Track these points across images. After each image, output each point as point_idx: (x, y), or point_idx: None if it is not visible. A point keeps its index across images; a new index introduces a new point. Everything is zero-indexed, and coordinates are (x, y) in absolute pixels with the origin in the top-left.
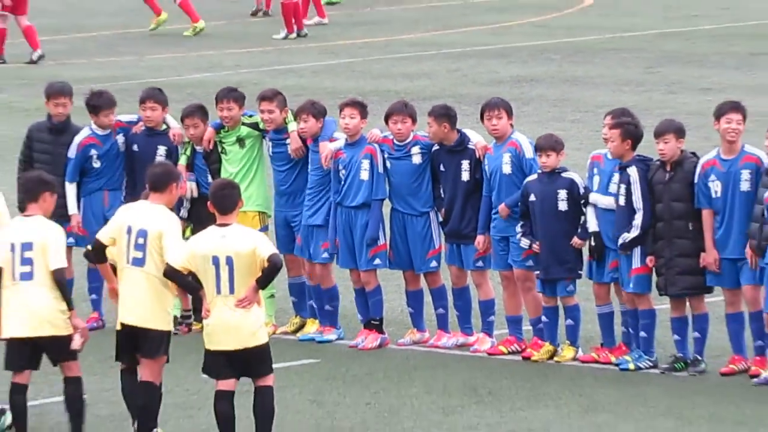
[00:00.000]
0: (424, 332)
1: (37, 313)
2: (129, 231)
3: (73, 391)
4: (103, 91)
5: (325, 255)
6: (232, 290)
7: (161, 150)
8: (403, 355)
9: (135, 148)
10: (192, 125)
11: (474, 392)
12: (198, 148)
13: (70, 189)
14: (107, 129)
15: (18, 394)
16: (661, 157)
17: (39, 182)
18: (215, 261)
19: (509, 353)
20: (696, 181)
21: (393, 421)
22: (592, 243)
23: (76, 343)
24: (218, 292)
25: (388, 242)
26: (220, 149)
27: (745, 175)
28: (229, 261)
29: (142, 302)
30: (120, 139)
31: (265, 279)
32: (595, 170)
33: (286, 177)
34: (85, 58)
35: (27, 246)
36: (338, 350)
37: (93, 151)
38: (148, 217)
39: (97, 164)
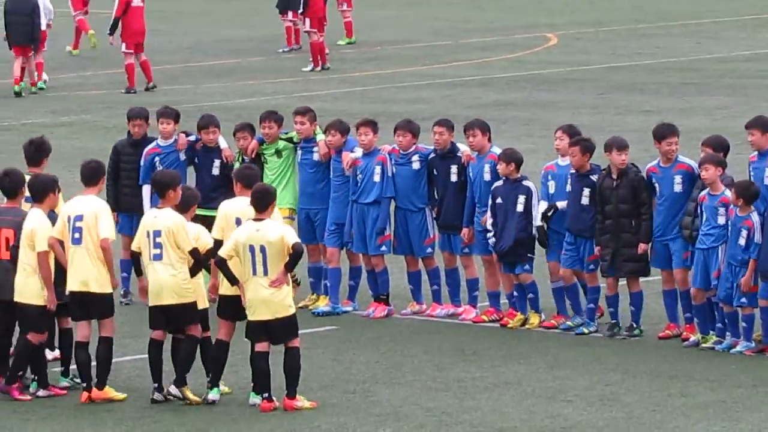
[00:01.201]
0: (422, 304)
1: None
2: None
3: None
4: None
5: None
6: (266, 272)
7: (216, 163)
8: (405, 323)
9: (196, 160)
10: (242, 137)
11: (462, 352)
12: (246, 158)
13: (145, 189)
14: (169, 140)
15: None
16: (616, 166)
17: (167, 182)
18: (251, 249)
19: (490, 321)
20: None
21: (398, 375)
22: (536, 234)
23: None
24: (254, 273)
25: (392, 233)
26: (262, 159)
27: (678, 179)
28: (263, 249)
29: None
30: (182, 155)
31: (291, 263)
32: (550, 177)
33: (311, 180)
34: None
35: (157, 233)
36: (353, 319)
37: (156, 159)
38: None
39: (159, 168)
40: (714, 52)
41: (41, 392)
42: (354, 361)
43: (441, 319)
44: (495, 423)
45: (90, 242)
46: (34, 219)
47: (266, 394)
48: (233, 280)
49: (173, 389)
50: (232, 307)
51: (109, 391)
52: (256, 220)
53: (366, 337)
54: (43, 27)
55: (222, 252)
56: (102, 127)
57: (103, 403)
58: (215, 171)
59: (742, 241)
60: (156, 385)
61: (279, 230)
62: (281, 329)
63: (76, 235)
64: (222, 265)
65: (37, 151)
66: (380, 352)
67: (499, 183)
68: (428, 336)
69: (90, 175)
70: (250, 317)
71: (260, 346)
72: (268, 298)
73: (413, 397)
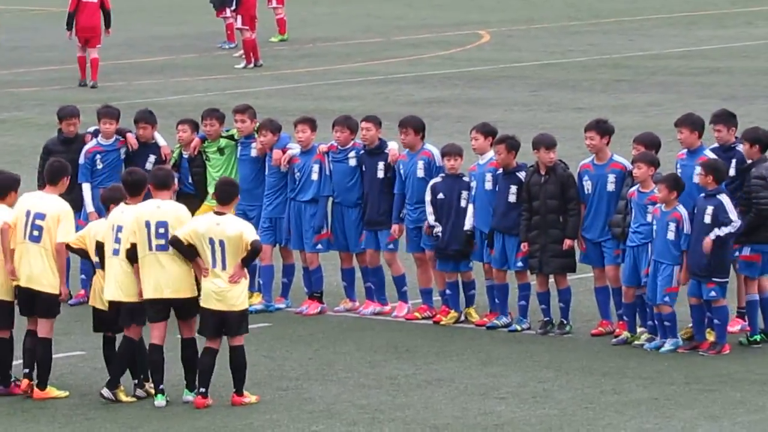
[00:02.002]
0: (354, 302)
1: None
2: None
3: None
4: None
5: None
6: (224, 266)
7: (151, 158)
8: (338, 320)
9: (131, 154)
10: (182, 130)
11: (395, 349)
12: (185, 153)
13: (85, 187)
14: (110, 139)
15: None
16: (543, 163)
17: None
18: (211, 242)
19: (423, 318)
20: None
21: (330, 372)
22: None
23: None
24: (213, 266)
25: (329, 230)
26: (204, 157)
27: (611, 178)
28: (222, 243)
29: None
30: (122, 154)
31: (248, 259)
32: (472, 177)
33: (248, 176)
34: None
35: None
36: (286, 316)
37: (98, 157)
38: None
39: (100, 166)
40: (646, 49)
41: None
42: (287, 358)
43: (373, 317)
44: (428, 420)
45: (48, 243)
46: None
47: (203, 390)
48: (191, 255)
49: (105, 391)
50: (163, 310)
51: (52, 391)
52: (217, 213)
53: (298, 334)
54: None
55: (180, 234)
56: (34, 124)
57: (39, 401)
58: (149, 166)
59: (671, 235)
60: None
61: (238, 226)
62: (235, 322)
63: (35, 233)
64: (178, 243)
65: None
66: (313, 349)
67: (438, 179)
68: (361, 333)
69: (54, 174)
70: (203, 304)
71: (212, 343)
72: (223, 291)
73: (346, 394)
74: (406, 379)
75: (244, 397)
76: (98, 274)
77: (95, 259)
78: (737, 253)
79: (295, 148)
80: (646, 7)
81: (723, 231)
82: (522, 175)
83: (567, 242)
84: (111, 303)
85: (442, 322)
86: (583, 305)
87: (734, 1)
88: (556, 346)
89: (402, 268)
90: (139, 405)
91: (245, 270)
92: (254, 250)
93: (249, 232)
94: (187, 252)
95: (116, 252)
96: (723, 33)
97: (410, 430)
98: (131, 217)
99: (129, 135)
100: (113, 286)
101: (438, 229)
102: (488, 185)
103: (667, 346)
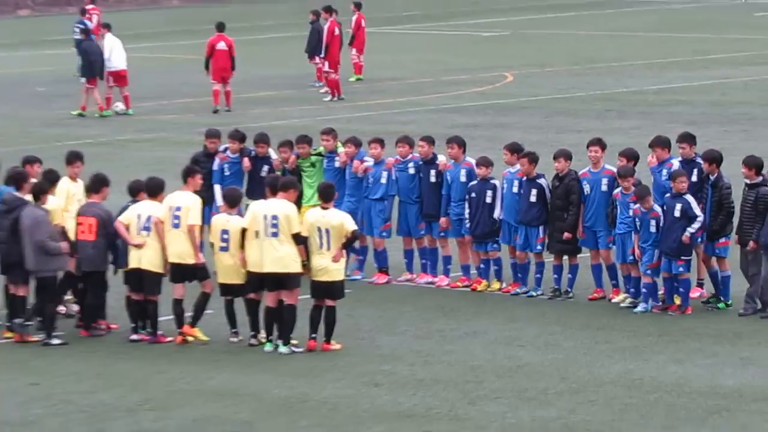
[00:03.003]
0: (412, 274)
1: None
2: (265, 217)
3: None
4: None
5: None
6: (329, 247)
7: (265, 168)
8: (400, 288)
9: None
10: (283, 151)
11: (442, 310)
12: (287, 166)
13: (216, 188)
14: (235, 154)
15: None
16: (558, 171)
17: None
18: (318, 230)
19: (463, 287)
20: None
21: (394, 326)
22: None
23: None
24: (320, 247)
25: (393, 221)
26: (301, 170)
27: (605, 181)
28: (327, 231)
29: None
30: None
31: (347, 243)
32: (504, 181)
33: (333, 181)
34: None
35: (275, 217)
36: (362, 285)
37: (225, 166)
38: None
39: (227, 173)
40: (630, 86)
41: (134, 336)
42: (362, 316)
43: (426, 285)
44: (467, 362)
45: (184, 226)
46: (156, 207)
47: (314, 335)
48: (302, 241)
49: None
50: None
51: (198, 332)
52: (322, 208)
53: (371, 299)
54: (124, 66)
55: (303, 231)
56: (174, 142)
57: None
58: (263, 174)
59: (653, 229)
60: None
61: (340, 217)
62: (335, 289)
63: (176, 221)
64: (303, 240)
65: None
66: (381, 309)
67: (474, 182)
68: (417, 297)
69: (186, 175)
70: (313, 278)
71: (320, 302)
72: (328, 267)
73: (406, 343)
74: (450, 331)
75: (332, 345)
76: (222, 255)
77: (220, 244)
78: (700, 240)
79: (369, 160)
80: (629, 56)
81: (693, 228)
82: (542, 181)
83: (566, 234)
84: (259, 274)
85: (477, 289)
86: (582, 278)
87: (695, 50)
88: (563, 308)
89: (450, 251)
90: (259, 349)
91: (343, 252)
92: (353, 237)
93: (349, 222)
94: (302, 240)
95: (275, 234)
96: (687, 74)
97: (454, 369)
98: (278, 209)
99: (245, 159)
100: (270, 261)
101: (466, 220)
102: (515, 189)
103: (639, 308)
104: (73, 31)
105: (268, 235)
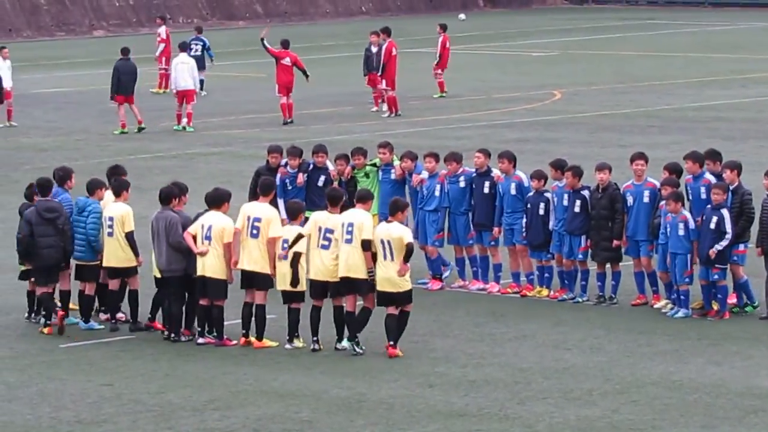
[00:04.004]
0: (465, 281)
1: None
2: (342, 225)
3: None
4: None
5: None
6: (392, 258)
7: (322, 178)
8: (453, 294)
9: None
10: (339, 164)
11: (492, 314)
12: (343, 178)
13: (279, 202)
14: (294, 168)
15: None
16: (599, 183)
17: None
18: (382, 241)
19: (513, 293)
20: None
21: (448, 329)
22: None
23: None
24: (384, 258)
25: (445, 231)
26: (355, 180)
27: (647, 193)
28: (389, 242)
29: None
30: (300, 177)
31: (406, 256)
32: (553, 194)
33: (389, 193)
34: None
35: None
36: (417, 291)
37: (287, 180)
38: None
39: (289, 187)
40: (671, 103)
41: (201, 340)
42: (417, 321)
43: (478, 291)
44: (516, 364)
45: (263, 238)
46: (223, 219)
47: (392, 342)
48: (368, 247)
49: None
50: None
51: (267, 341)
52: (387, 222)
53: (425, 304)
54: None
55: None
56: (240, 156)
57: (258, 349)
58: (320, 183)
59: (681, 232)
60: (315, 338)
61: (400, 231)
62: (401, 298)
63: (254, 231)
64: (369, 246)
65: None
66: (435, 313)
67: (531, 194)
68: (469, 303)
69: (264, 188)
70: (378, 288)
71: (390, 310)
72: (392, 277)
73: (459, 346)
74: (500, 335)
75: (397, 349)
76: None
77: (283, 252)
78: (732, 256)
79: (424, 174)
80: (670, 75)
81: (722, 245)
82: (585, 193)
83: (615, 242)
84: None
85: (526, 295)
86: (626, 284)
87: (733, 70)
88: (608, 313)
89: (500, 259)
90: (318, 351)
91: (407, 265)
92: (409, 251)
93: (407, 236)
94: (368, 245)
95: (349, 241)
96: (725, 92)
97: (504, 371)
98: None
99: (300, 174)
100: (344, 266)
101: (523, 230)
102: (565, 202)
103: (680, 314)
104: (189, 49)
105: (343, 241)
